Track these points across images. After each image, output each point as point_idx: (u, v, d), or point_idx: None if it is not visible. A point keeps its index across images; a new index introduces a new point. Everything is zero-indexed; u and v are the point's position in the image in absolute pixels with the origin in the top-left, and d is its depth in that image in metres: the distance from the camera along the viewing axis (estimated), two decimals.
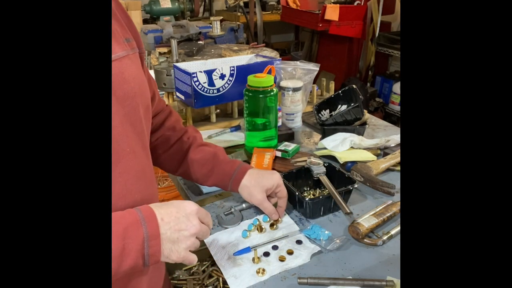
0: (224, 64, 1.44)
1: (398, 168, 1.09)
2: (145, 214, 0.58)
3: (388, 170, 1.08)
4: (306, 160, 1.00)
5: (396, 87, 3.32)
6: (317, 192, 0.98)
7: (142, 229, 0.56)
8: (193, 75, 1.23)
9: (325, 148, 1.15)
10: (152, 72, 1.36)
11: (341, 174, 0.96)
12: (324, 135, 1.24)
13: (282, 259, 0.77)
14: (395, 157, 1.10)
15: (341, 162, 1.10)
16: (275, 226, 0.87)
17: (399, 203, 0.90)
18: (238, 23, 2.19)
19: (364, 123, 1.25)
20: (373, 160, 1.09)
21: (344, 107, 1.22)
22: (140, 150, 0.68)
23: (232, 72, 1.30)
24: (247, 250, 0.80)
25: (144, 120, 0.70)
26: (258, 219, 0.89)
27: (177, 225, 0.60)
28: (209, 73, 1.26)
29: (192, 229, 0.61)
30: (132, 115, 0.65)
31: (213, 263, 1.69)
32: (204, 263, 1.71)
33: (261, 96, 1.11)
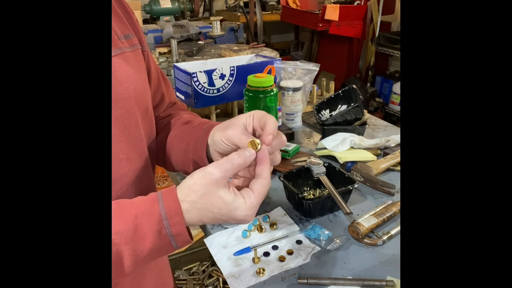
0: (224, 64, 1.44)
1: (398, 168, 1.09)
2: (164, 192, 0.51)
3: (388, 170, 1.08)
4: (306, 160, 1.00)
5: (396, 87, 3.32)
6: (317, 192, 0.98)
7: (157, 205, 0.49)
8: (193, 75, 1.23)
9: (325, 148, 1.15)
10: None
11: (341, 174, 0.96)
12: (324, 135, 1.24)
13: (282, 259, 0.77)
14: (395, 157, 1.10)
15: (341, 162, 1.10)
16: (275, 226, 0.87)
17: (399, 203, 0.90)
18: (238, 23, 2.19)
19: (364, 123, 1.25)
20: (373, 160, 1.09)
21: (344, 107, 1.22)
22: (136, 156, 0.63)
23: (232, 72, 1.30)
24: (247, 250, 0.80)
25: (143, 123, 0.65)
26: (258, 219, 0.89)
27: (221, 220, 0.52)
28: (209, 73, 1.26)
29: (244, 223, 0.53)
30: (126, 118, 0.61)
31: (213, 263, 1.70)
32: (204, 263, 1.72)
33: (261, 96, 1.11)
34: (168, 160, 0.73)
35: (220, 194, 0.50)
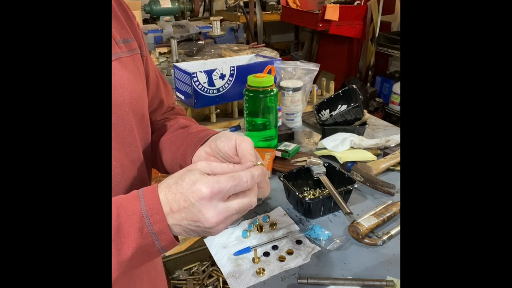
0: (224, 64, 1.44)
1: (398, 168, 1.09)
2: (145, 190, 0.49)
3: (388, 170, 1.08)
4: (306, 160, 1.00)
5: (396, 87, 3.32)
6: (317, 192, 0.98)
7: (138, 203, 0.47)
8: (193, 75, 1.23)
9: (325, 148, 1.15)
10: None
11: (341, 174, 0.96)
12: (324, 135, 1.24)
13: (282, 259, 0.77)
14: (395, 157, 1.10)
15: (341, 162, 1.10)
16: (275, 226, 0.87)
17: (399, 203, 0.90)
18: (238, 23, 2.19)
19: (364, 123, 1.25)
20: (373, 160, 1.09)
21: (344, 107, 1.22)
22: (129, 163, 0.62)
23: (232, 72, 1.30)
24: (247, 250, 0.80)
25: (138, 129, 0.64)
26: (258, 219, 0.89)
27: (189, 215, 0.48)
28: (209, 73, 1.26)
29: (207, 224, 0.47)
30: (119, 125, 0.59)
31: (213, 263, 1.69)
32: (204, 263, 1.71)
33: (261, 96, 1.11)
34: (159, 161, 0.73)
35: (193, 171, 0.48)
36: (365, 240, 0.81)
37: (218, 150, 0.59)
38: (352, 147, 1.14)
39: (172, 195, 0.48)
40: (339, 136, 1.16)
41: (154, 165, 0.76)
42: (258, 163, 0.53)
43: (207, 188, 0.46)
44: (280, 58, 1.50)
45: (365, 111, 1.27)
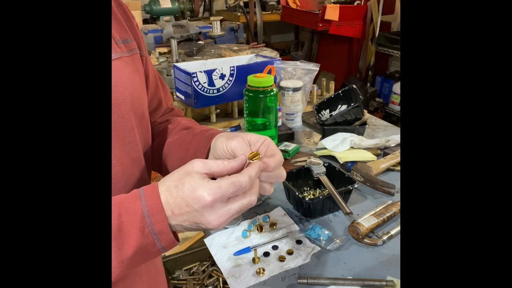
0: (224, 64, 1.44)
1: (398, 168, 1.09)
2: (146, 189, 0.50)
3: (388, 170, 1.08)
4: (306, 160, 1.00)
5: (396, 87, 3.32)
6: (317, 192, 0.98)
7: (139, 203, 0.49)
8: (193, 75, 1.23)
9: (325, 148, 1.15)
10: None
11: (341, 174, 0.96)
12: (324, 135, 1.24)
13: (282, 259, 0.77)
14: (395, 157, 1.10)
15: (341, 162, 1.10)
16: (275, 226, 0.87)
17: (399, 203, 0.90)
18: (238, 23, 2.19)
19: (364, 123, 1.25)
20: (373, 160, 1.09)
21: (344, 107, 1.22)
22: (129, 161, 0.63)
23: (232, 72, 1.30)
24: (247, 250, 0.80)
25: (138, 129, 0.65)
26: (258, 219, 0.89)
27: (191, 218, 0.49)
28: (209, 73, 1.26)
29: (210, 226, 0.49)
30: (120, 124, 0.60)
31: (213, 263, 1.69)
32: (204, 263, 1.71)
33: (261, 96, 1.11)
34: (164, 165, 0.73)
35: (192, 175, 0.49)
36: (365, 240, 0.81)
37: (216, 155, 0.60)
38: (352, 147, 1.14)
39: (173, 199, 0.49)
40: (339, 136, 1.16)
41: (157, 168, 0.76)
42: (259, 154, 0.54)
43: (209, 196, 0.48)
44: (280, 58, 1.50)
45: (365, 111, 1.27)
